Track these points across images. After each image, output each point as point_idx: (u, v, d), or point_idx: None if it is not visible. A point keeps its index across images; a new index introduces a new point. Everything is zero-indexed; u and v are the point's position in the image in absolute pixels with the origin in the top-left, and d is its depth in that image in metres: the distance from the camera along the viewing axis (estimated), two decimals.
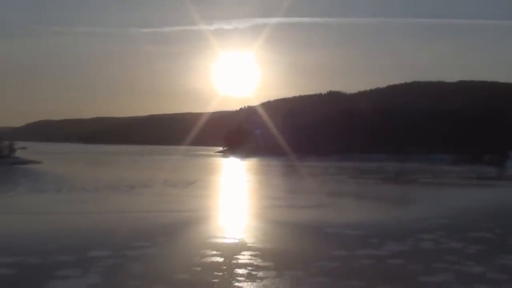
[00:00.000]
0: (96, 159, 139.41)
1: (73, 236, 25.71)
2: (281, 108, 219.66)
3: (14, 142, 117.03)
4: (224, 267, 19.29)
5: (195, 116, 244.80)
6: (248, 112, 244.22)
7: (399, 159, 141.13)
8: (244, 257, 20.98)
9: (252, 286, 16.74)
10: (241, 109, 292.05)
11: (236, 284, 17.02)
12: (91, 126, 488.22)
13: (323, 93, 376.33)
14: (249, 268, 19.21)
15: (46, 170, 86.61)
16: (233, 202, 45.96)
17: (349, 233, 27.07)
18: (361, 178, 77.47)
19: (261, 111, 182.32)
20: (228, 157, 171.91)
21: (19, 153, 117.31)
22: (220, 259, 20.60)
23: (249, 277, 17.85)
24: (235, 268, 19.21)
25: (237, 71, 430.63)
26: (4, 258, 19.81)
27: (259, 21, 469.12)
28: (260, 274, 18.30)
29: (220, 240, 24.88)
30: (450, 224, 31.16)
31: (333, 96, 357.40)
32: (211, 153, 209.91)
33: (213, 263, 20.01)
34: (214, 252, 21.84)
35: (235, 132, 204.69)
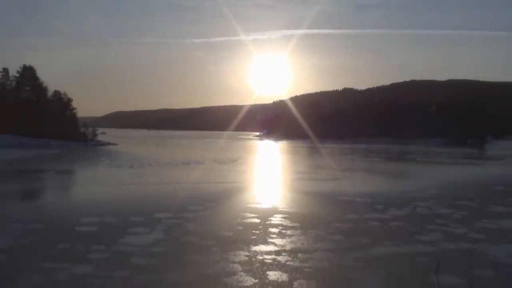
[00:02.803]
0: (160, 142, 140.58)
1: (142, 202, 25.99)
2: (306, 101, 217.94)
3: (96, 128, 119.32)
4: (260, 227, 19.34)
5: (238, 108, 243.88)
6: (279, 105, 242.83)
7: (400, 142, 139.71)
8: (276, 219, 21.00)
9: (282, 242, 16.74)
10: (274, 102, 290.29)
11: (270, 240, 17.04)
12: (156, 115, 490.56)
13: (340, 89, 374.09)
14: (280, 227, 19.23)
15: (121, 150, 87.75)
16: (267, 175, 46.01)
17: (360, 201, 26.92)
18: (370, 157, 76.85)
19: (290, 104, 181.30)
20: (263, 140, 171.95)
21: (100, 137, 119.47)
22: (257, 220, 20.66)
23: (280, 235, 17.88)
24: (269, 227, 19.24)
25: (270, 72, 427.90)
26: (89, 218, 20.16)
27: (288, 32, 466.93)
28: (288, 232, 18.32)
29: (257, 206, 24.93)
30: (441, 194, 30.77)
31: (347, 92, 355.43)
32: (250, 137, 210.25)
33: (251, 223, 20.08)
34: (252, 215, 21.92)
35: (269, 121, 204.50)
